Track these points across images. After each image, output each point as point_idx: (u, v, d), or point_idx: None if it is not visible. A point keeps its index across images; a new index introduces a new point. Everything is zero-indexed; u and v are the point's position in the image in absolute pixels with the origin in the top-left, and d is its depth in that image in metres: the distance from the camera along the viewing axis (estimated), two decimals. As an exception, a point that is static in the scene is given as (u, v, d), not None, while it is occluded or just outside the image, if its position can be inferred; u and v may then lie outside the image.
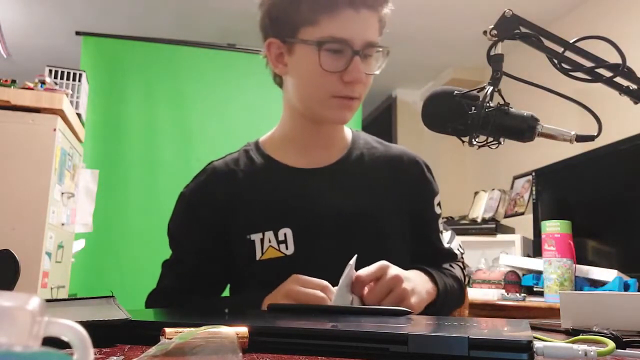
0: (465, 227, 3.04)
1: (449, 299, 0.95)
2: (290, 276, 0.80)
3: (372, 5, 0.88)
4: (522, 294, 1.97)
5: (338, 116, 0.93)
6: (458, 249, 1.12)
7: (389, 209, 0.98)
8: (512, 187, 3.38)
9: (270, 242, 0.91)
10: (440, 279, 0.93)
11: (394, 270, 0.80)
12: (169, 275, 0.99)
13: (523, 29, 0.72)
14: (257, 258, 0.92)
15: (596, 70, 0.70)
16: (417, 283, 0.85)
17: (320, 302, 0.74)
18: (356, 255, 0.76)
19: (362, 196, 0.98)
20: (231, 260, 0.95)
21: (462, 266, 1.09)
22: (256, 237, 0.92)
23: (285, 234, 0.91)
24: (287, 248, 0.91)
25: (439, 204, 1.04)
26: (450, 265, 1.04)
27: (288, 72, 0.95)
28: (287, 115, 1.00)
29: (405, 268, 0.85)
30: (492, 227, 2.93)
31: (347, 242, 0.93)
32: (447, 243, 1.06)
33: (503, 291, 2.00)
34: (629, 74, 0.69)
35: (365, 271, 0.78)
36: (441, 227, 1.05)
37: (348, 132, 1.05)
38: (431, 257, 1.01)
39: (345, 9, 0.86)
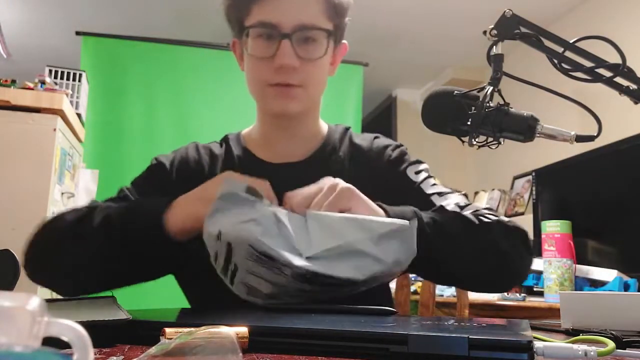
0: (465, 227, 3.03)
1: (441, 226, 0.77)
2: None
3: None
4: (522, 294, 1.97)
5: (277, 106, 0.87)
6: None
7: None
8: (512, 187, 3.38)
9: None
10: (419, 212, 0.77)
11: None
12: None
13: (523, 29, 0.72)
14: None
15: (596, 70, 0.70)
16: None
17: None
18: None
19: None
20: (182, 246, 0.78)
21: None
22: None
23: None
24: None
25: (418, 172, 0.93)
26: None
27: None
28: (257, 110, 0.99)
29: None
30: (492, 227, 2.92)
31: None
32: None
33: (503, 291, 2.00)
34: (629, 74, 0.69)
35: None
36: (436, 190, 0.90)
37: (324, 127, 0.99)
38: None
39: None
